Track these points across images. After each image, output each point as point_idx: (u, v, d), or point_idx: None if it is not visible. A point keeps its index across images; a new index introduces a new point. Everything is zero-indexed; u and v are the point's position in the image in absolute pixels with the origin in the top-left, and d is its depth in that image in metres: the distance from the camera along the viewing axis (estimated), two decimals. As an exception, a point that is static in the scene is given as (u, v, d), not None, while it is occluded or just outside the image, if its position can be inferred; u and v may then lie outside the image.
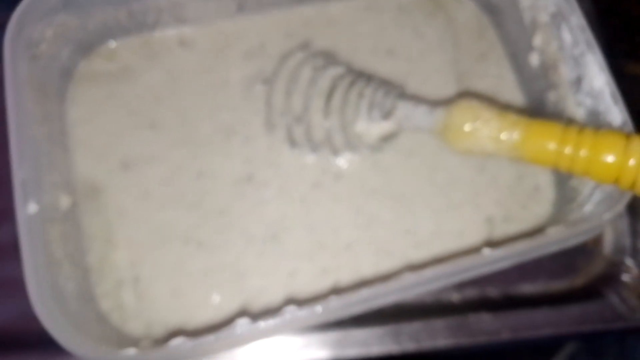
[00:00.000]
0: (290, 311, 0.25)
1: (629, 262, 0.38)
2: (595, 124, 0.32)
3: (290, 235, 0.33)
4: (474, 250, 0.32)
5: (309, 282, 0.32)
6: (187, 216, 0.33)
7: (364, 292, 0.26)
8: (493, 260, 0.28)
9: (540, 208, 0.35)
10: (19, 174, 0.26)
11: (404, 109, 0.33)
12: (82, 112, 0.34)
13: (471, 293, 0.35)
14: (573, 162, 0.30)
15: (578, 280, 0.37)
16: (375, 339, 0.34)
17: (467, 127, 0.31)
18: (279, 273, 0.32)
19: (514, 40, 0.37)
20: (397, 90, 0.35)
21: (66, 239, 0.29)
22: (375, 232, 0.34)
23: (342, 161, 0.35)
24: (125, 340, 0.29)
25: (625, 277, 0.37)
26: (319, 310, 0.25)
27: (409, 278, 0.27)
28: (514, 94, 0.37)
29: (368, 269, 0.33)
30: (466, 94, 0.36)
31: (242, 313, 0.31)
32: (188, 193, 0.33)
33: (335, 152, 0.34)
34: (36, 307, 0.25)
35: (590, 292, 0.36)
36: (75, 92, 0.34)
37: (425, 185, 0.35)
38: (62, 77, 0.34)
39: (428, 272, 0.27)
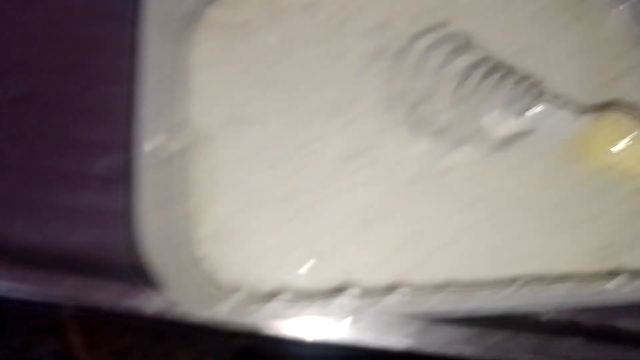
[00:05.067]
0: (401, 292, 0.24)
1: None
2: None
3: (384, 224, 0.31)
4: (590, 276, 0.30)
5: (399, 273, 0.30)
6: (287, 183, 0.31)
7: (480, 294, 0.24)
8: (617, 296, 0.25)
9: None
10: (142, 109, 0.26)
11: (543, 110, 0.31)
12: (201, 60, 0.33)
13: (565, 314, 0.32)
14: None
15: None
16: (456, 338, 0.32)
17: (614, 144, 0.28)
18: (369, 259, 0.30)
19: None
20: (537, 88, 0.32)
21: (172, 181, 0.29)
22: (476, 237, 0.31)
23: (456, 155, 0.32)
24: (216, 290, 0.28)
25: None
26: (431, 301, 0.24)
27: (528, 295, 0.24)
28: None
29: (463, 273, 0.30)
30: (616, 104, 0.33)
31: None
32: (289, 161, 0.32)
33: (454, 143, 0.32)
34: (145, 244, 0.24)
35: None
36: (197, 38, 0.33)
37: (541, 197, 0.32)
38: (188, 21, 0.33)
39: (543, 294, 0.24)
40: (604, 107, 0.32)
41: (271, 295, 0.25)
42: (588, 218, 0.31)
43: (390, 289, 0.27)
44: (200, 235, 0.30)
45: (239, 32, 0.34)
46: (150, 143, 0.27)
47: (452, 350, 0.31)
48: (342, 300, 0.24)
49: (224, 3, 0.34)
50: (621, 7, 0.36)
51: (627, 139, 0.28)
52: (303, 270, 0.30)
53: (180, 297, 0.24)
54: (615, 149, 0.28)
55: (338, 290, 0.26)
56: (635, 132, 0.28)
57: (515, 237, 0.31)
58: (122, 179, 0.34)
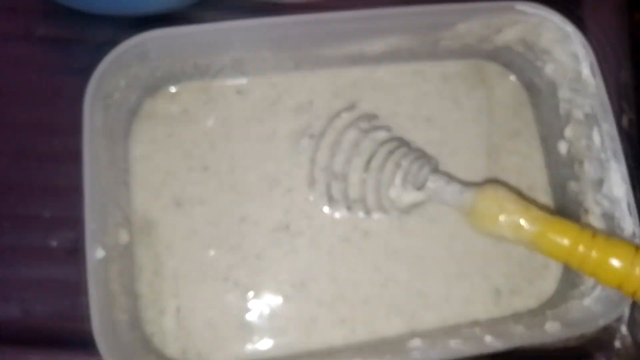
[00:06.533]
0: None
1: (623, 330, 0.40)
2: (609, 226, 0.34)
3: (315, 283, 0.37)
4: (477, 325, 0.36)
5: (326, 329, 0.36)
6: (228, 257, 0.37)
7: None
8: (492, 347, 0.31)
9: (545, 285, 0.38)
10: (90, 224, 0.30)
11: (435, 184, 0.36)
12: (144, 150, 0.37)
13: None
14: (583, 262, 0.33)
15: (572, 341, 0.39)
16: None
17: (491, 215, 0.34)
18: (301, 318, 0.36)
19: (548, 124, 0.39)
20: (431, 165, 0.38)
21: (122, 271, 0.34)
22: (390, 290, 0.37)
23: (372, 221, 0.38)
24: (164, 363, 0.34)
25: (618, 344, 0.40)
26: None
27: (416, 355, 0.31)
28: (540, 175, 0.40)
29: (380, 324, 0.36)
30: (495, 181, 0.39)
31: (268, 353, 0.35)
32: (230, 235, 0.37)
33: (367, 211, 0.38)
34: (99, 343, 0.29)
35: (582, 353, 0.39)
36: (138, 131, 0.37)
37: (442, 252, 0.38)
38: (128, 117, 0.37)
39: (433, 354, 0.31)
40: (485, 181, 0.38)
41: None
42: (482, 267, 0.38)
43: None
44: (149, 315, 0.35)
45: (179, 120, 0.38)
46: (101, 250, 0.31)
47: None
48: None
49: (162, 94, 0.38)
50: (511, 77, 0.41)
51: (501, 212, 0.34)
52: (237, 339, 0.35)
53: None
54: (491, 219, 0.34)
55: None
56: (509, 206, 0.34)
57: (424, 288, 0.37)
58: (78, 251, 0.38)
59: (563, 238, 0.33)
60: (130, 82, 0.35)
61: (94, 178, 0.31)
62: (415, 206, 0.38)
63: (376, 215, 0.38)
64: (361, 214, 0.38)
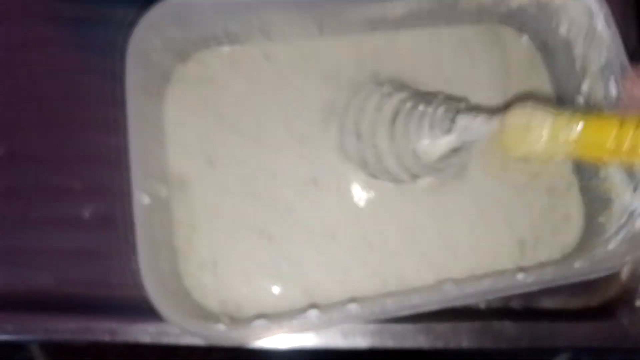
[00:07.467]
0: (353, 309, 0.30)
1: (643, 289, 0.41)
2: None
3: (345, 236, 0.38)
4: (506, 270, 0.37)
5: (360, 280, 0.37)
6: (261, 212, 0.38)
7: (414, 299, 0.31)
8: (524, 284, 0.32)
9: (568, 237, 0.39)
10: (136, 170, 0.31)
11: (464, 121, 0.36)
12: (177, 113, 0.39)
13: (496, 302, 0.40)
14: (633, 152, 0.30)
15: (594, 300, 0.41)
16: (409, 334, 0.38)
17: (523, 129, 0.33)
18: (335, 269, 0.37)
19: (563, 83, 0.41)
20: (457, 105, 0.38)
21: (162, 225, 0.35)
22: (420, 244, 0.38)
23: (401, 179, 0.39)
24: (205, 314, 0.35)
25: (638, 303, 0.41)
26: (376, 310, 0.30)
27: (452, 291, 0.32)
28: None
29: (411, 276, 0.38)
30: (519, 99, 0.39)
31: (304, 302, 0.36)
32: (263, 191, 0.38)
33: (395, 180, 0.38)
34: (147, 283, 0.30)
35: (604, 312, 0.40)
36: (172, 95, 0.39)
37: (469, 207, 0.39)
38: (163, 81, 0.38)
39: (469, 289, 0.32)
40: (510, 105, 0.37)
41: (251, 319, 0.31)
42: (506, 220, 0.39)
43: (349, 300, 0.33)
44: (187, 269, 0.36)
45: (210, 84, 0.40)
46: (147, 197, 0.32)
47: (406, 342, 0.38)
48: (310, 315, 0.30)
49: (193, 61, 0.40)
50: (524, 39, 0.43)
51: (532, 123, 0.32)
52: (273, 290, 0.36)
53: (176, 324, 0.30)
54: (524, 134, 0.33)
55: (306, 308, 0.33)
56: (538, 115, 0.33)
57: (452, 241, 0.39)
58: (110, 221, 0.39)
59: (606, 132, 0.31)
60: (165, 44, 0.36)
61: (138, 127, 0.32)
62: (444, 159, 0.37)
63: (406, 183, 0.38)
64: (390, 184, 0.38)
